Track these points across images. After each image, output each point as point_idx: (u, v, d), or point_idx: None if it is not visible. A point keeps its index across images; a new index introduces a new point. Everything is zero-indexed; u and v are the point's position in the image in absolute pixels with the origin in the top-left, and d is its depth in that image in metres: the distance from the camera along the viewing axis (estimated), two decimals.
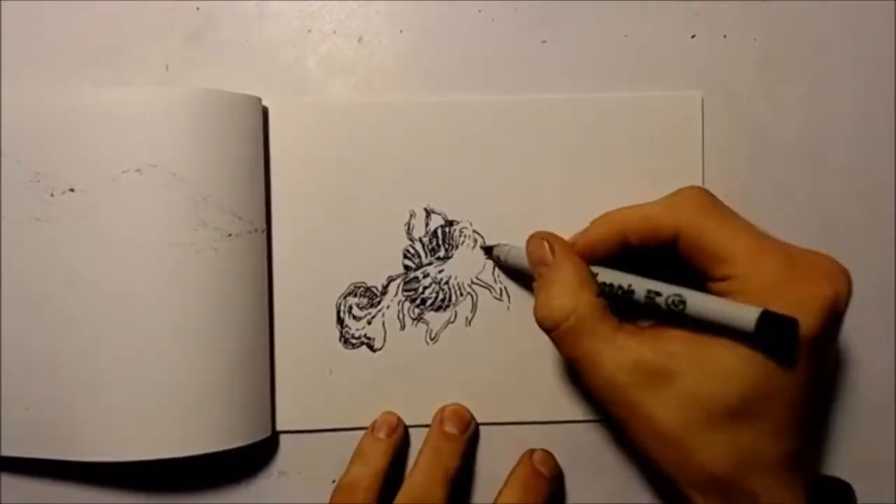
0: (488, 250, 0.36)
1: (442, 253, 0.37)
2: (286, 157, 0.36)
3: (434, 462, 0.35)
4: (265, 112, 0.36)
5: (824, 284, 0.27)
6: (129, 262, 0.33)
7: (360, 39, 0.37)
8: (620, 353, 0.28)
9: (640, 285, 0.29)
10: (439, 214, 0.37)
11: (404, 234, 0.37)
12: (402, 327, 0.37)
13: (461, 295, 0.37)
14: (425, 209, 0.37)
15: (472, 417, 0.37)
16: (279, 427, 0.37)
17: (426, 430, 0.37)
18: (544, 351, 0.36)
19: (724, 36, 0.37)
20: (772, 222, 0.37)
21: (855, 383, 0.38)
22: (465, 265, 0.37)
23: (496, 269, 0.37)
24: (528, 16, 0.37)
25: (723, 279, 0.29)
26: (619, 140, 0.37)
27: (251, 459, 0.37)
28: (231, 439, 0.34)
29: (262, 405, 0.36)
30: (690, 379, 0.27)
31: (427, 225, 0.37)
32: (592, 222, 0.32)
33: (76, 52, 0.36)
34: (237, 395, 0.34)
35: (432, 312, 0.37)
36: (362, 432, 0.36)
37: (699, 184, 0.37)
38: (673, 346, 0.28)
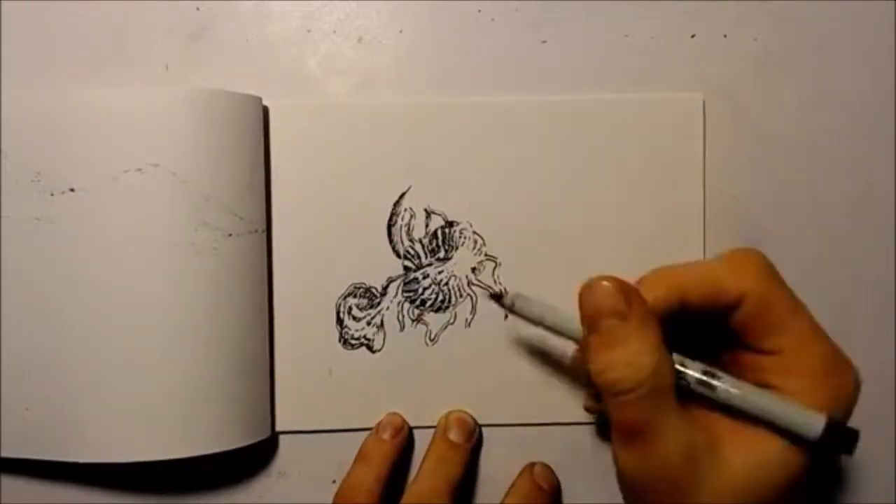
0: (497, 298, 0.33)
1: (442, 254, 0.37)
2: (286, 157, 0.36)
3: (438, 471, 0.35)
4: (265, 112, 0.36)
5: (851, 380, 0.27)
6: (129, 261, 0.33)
7: (360, 39, 0.37)
8: (681, 430, 0.26)
9: (695, 368, 0.28)
10: (439, 215, 0.37)
11: (405, 234, 0.37)
12: (402, 328, 0.37)
13: (461, 296, 0.37)
14: (425, 210, 0.37)
15: (477, 424, 0.37)
16: (279, 428, 0.37)
17: (426, 431, 0.37)
18: (543, 353, 0.36)
19: (724, 36, 0.37)
20: (772, 222, 0.38)
21: None
22: (465, 266, 0.37)
23: (496, 269, 0.37)
24: (528, 16, 0.37)
25: (773, 353, 0.27)
26: (620, 141, 0.37)
27: (251, 460, 0.37)
28: (231, 440, 0.34)
29: (261, 406, 0.36)
30: (740, 462, 0.27)
31: (427, 226, 0.37)
32: (643, 280, 0.29)
33: (76, 52, 0.36)
34: (237, 396, 0.34)
35: (432, 313, 0.37)
36: (362, 433, 0.36)
37: (700, 184, 0.37)
38: (721, 430, 0.27)
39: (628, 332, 0.27)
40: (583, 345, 0.28)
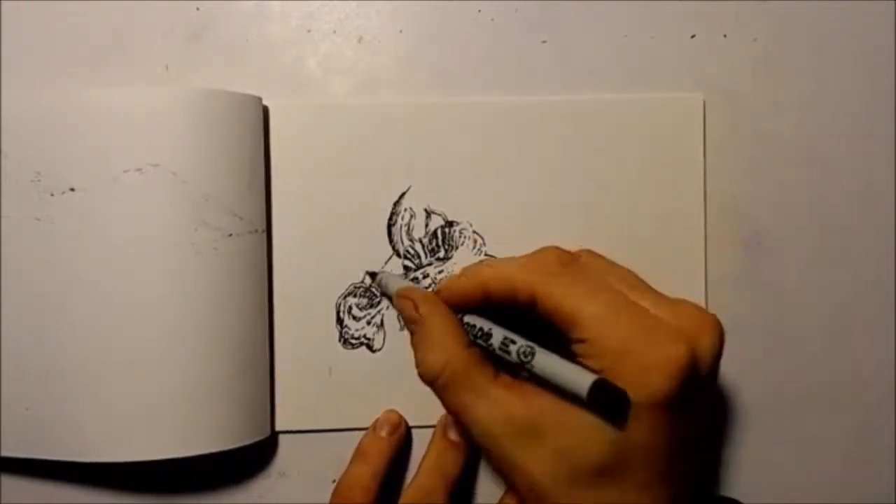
0: (372, 276, 0.36)
1: (442, 254, 0.37)
2: (286, 157, 0.36)
3: (437, 469, 0.35)
4: (265, 112, 0.36)
5: (678, 347, 0.27)
6: (129, 261, 0.33)
7: (360, 39, 0.37)
8: (494, 406, 0.28)
9: (499, 332, 0.29)
10: (439, 215, 0.37)
11: (405, 234, 0.37)
12: (402, 328, 0.37)
13: None
14: (425, 210, 0.37)
15: None
16: (279, 427, 0.37)
17: (425, 430, 0.37)
18: None
19: (724, 36, 0.37)
20: (772, 222, 0.38)
21: (855, 383, 0.38)
22: (465, 266, 0.37)
23: None
24: (528, 16, 0.37)
25: (578, 342, 0.28)
26: (620, 141, 0.37)
27: (251, 460, 0.37)
28: (231, 439, 0.34)
29: (261, 405, 0.36)
30: (558, 436, 0.27)
31: (427, 226, 0.37)
32: (462, 270, 0.32)
33: (76, 52, 0.36)
34: (237, 395, 0.34)
35: None
36: (362, 432, 0.36)
37: (700, 184, 0.37)
38: (543, 401, 0.28)
39: (422, 332, 0.31)
40: None
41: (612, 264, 0.32)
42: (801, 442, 0.38)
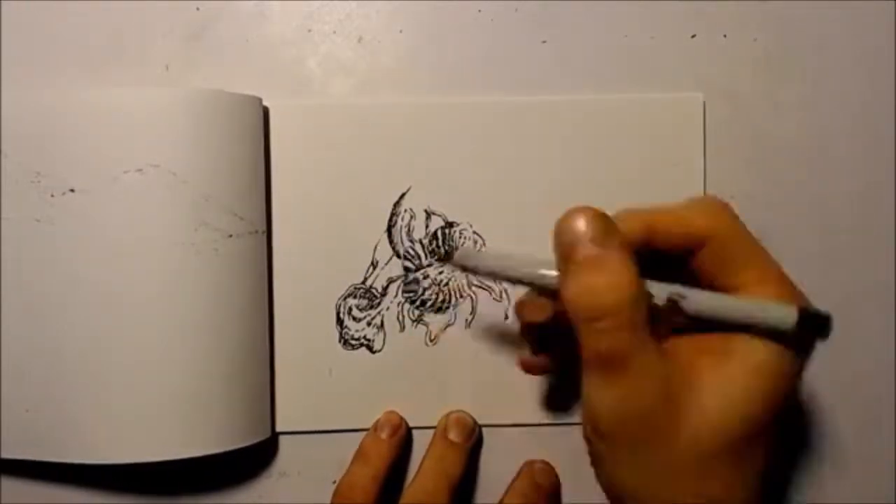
0: (447, 258, 0.34)
1: (442, 254, 0.37)
2: (286, 157, 0.36)
3: (437, 470, 0.35)
4: (265, 112, 0.36)
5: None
6: (129, 262, 0.33)
7: (360, 39, 0.37)
8: (659, 364, 0.26)
9: (659, 288, 0.27)
10: (439, 216, 0.37)
11: (405, 235, 0.37)
12: (402, 329, 0.37)
13: (461, 297, 0.37)
14: (425, 210, 0.37)
15: (476, 424, 0.37)
16: (279, 428, 0.37)
17: (426, 431, 0.37)
18: None
19: (724, 36, 0.37)
20: (772, 222, 0.38)
21: (855, 383, 0.38)
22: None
23: None
24: (528, 16, 0.37)
25: (733, 290, 0.27)
26: (620, 141, 0.37)
27: (251, 460, 0.37)
28: (231, 440, 0.34)
29: (261, 406, 0.36)
30: (714, 406, 0.26)
31: (427, 226, 0.37)
32: (617, 214, 0.28)
33: (76, 52, 0.36)
34: (237, 396, 0.34)
35: (432, 314, 0.37)
36: (362, 433, 0.36)
37: (700, 184, 0.37)
38: (693, 360, 0.27)
39: (609, 257, 0.26)
40: (550, 281, 0.28)
41: None
42: (801, 442, 0.38)
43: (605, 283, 0.26)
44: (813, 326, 0.26)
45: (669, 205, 0.29)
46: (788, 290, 0.27)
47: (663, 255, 0.28)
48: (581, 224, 0.27)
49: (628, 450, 0.26)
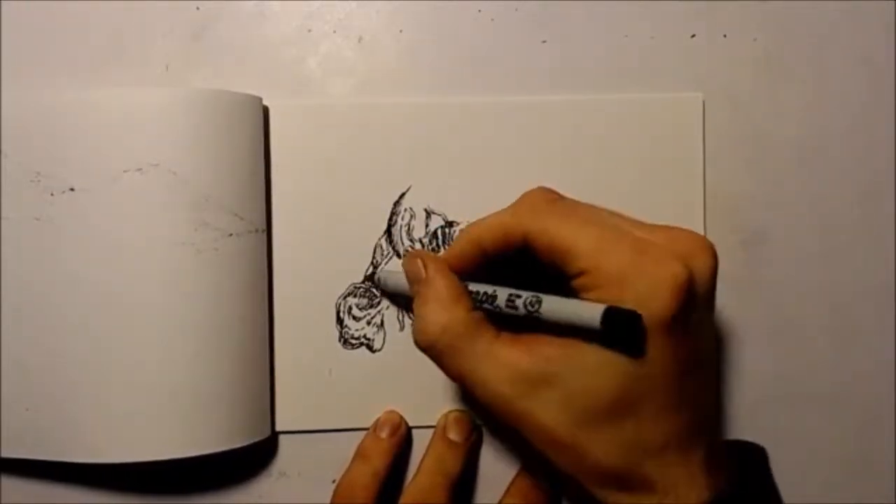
0: (370, 278, 0.36)
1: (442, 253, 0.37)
2: (286, 157, 0.36)
3: (437, 469, 0.35)
4: (265, 112, 0.36)
5: (674, 265, 0.26)
6: (129, 261, 0.33)
7: (360, 39, 0.37)
8: (499, 364, 0.28)
9: (503, 291, 0.29)
10: (439, 215, 0.37)
11: (405, 234, 0.37)
12: (402, 328, 0.37)
13: None
14: (425, 210, 0.37)
15: (476, 423, 0.37)
16: (279, 427, 0.37)
17: (425, 431, 0.37)
18: None
19: (724, 36, 0.37)
20: (772, 222, 0.38)
21: (855, 383, 0.38)
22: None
23: None
24: (528, 16, 0.37)
25: (577, 275, 0.28)
26: (620, 141, 0.37)
27: (251, 460, 0.37)
28: (231, 440, 0.34)
29: (261, 405, 0.36)
30: (569, 381, 0.27)
31: (427, 226, 0.37)
32: (456, 236, 0.32)
33: (76, 52, 0.36)
34: (237, 396, 0.34)
35: None
36: (362, 432, 0.36)
37: (700, 184, 0.37)
38: (548, 349, 0.28)
39: (427, 293, 0.30)
40: None
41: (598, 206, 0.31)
42: (801, 442, 0.38)
43: (426, 315, 0.30)
44: (620, 323, 0.26)
45: (493, 214, 0.31)
46: (625, 264, 0.27)
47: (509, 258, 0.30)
48: (405, 265, 0.32)
49: (517, 434, 0.29)
